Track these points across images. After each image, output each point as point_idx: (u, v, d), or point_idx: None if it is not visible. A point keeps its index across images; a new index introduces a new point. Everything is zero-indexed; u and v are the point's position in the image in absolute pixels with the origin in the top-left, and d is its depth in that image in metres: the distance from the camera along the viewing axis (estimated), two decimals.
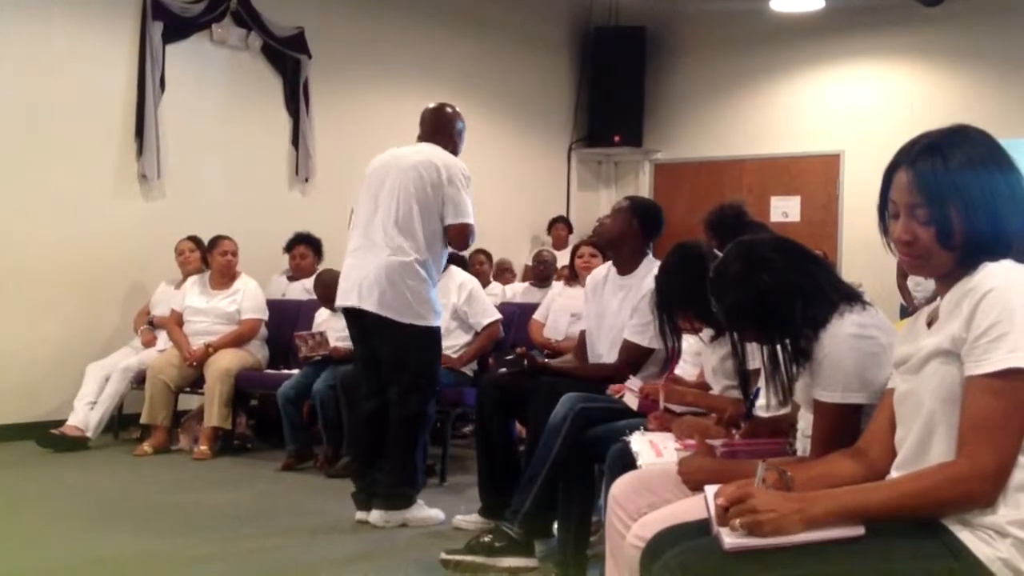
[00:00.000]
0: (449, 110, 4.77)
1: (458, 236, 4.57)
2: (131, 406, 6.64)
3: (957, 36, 9.45)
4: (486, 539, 3.87)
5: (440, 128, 4.70)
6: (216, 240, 6.74)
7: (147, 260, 7.23)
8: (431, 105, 4.81)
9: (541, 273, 8.12)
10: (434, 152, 4.57)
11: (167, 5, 7.38)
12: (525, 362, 4.37)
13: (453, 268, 5.97)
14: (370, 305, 4.48)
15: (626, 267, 4.23)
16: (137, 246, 7.23)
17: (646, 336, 4.00)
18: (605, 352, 4.23)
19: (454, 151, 4.67)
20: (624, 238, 4.23)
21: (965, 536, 1.75)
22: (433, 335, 4.62)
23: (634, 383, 3.64)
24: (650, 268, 4.09)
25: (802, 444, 2.42)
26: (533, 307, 6.60)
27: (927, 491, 1.77)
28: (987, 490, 1.74)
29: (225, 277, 6.72)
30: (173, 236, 7.23)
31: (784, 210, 10.50)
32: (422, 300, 4.50)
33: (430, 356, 4.62)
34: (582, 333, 4.50)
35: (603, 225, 4.40)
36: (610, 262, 4.38)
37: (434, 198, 4.49)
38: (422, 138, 4.70)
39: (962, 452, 1.76)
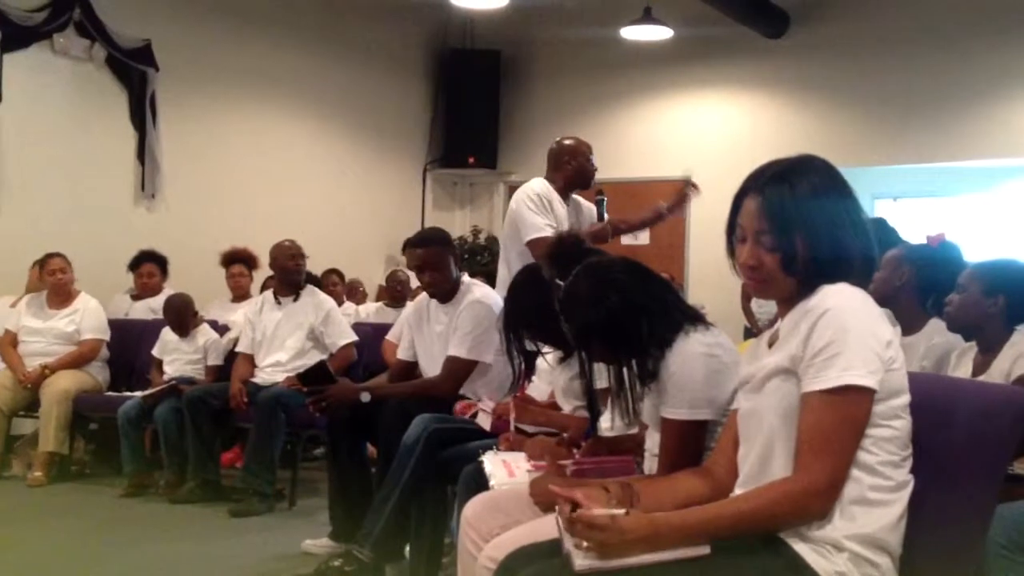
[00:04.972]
0: (567, 142, 5.15)
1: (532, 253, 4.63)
2: None
3: (798, 67, 9.83)
4: (336, 563, 3.83)
5: (551, 162, 5.09)
6: (45, 258, 6.44)
7: None
8: None
9: (397, 293, 8.12)
10: (522, 187, 4.90)
11: (6, 12, 7.05)
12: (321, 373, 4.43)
13: (312, 288, 5.99)
14: None
15: (447, 297, 4.32)
16: None
17: (463, 348, 4.12)
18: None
19: (564, 179, 5.01)
20: (445, 279, 4.29)
21: (805, 551, 1.80)
22: None
23: (487, 404, 3.65)
24: (468, 288, 4.29)
25: (649, 464, 2.46)
26: (386, 327, 6.51)
27: (765, 508, 1.82)
28: (821, 504, 1.80)
29: (60, 296, 6.43)
30: (9, 253, 6.90)
31: (634, 233, 10.69)
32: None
33: None
34: (399, 361, 4.56)
35: (425, 283, 4.40)
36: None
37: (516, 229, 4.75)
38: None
39: (797, 467, 1.82)
